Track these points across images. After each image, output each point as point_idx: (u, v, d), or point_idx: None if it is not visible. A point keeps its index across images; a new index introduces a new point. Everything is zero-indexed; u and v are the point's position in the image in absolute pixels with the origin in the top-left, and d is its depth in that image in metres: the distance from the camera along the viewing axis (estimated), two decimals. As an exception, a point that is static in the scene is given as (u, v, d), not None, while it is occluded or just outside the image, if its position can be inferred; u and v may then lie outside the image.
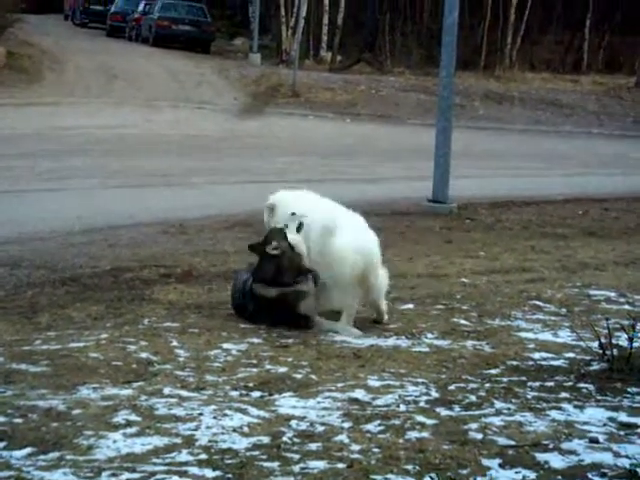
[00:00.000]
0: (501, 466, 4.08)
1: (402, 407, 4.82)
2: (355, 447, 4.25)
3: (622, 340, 5.83)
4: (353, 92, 31.43)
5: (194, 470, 3.97)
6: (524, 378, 5.36)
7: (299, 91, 30.52)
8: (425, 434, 4.43)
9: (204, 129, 23.21)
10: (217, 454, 4.15)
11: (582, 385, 5.25)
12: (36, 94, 27.21)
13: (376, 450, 4.21)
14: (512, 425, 4.57)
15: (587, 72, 39.93)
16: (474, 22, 40.25)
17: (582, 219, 12.87)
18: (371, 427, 4.51)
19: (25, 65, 30.69)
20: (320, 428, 4.49)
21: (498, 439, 4.38)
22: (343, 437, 4.37)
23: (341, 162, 18.62)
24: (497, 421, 4.62)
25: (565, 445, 4.32)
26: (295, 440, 4.33)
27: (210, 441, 4.29)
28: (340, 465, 4.05)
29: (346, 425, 4.54)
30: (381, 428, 4.50)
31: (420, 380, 5.28)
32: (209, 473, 3.95)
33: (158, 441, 4.28)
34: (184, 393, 4.97)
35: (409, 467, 4.03)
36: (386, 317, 6.73)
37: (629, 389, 5.19)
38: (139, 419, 4.55)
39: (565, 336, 6.39)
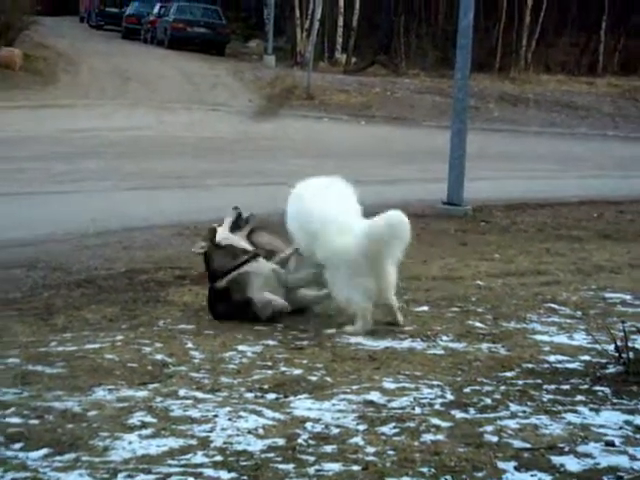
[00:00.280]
0: (516, 469, 4.07)
1: (417, 409, 4.81)
2: (370, 449, 4.24)
3: (638, 343, 5.81)
4: (368, 94, 31.43)
5: (209, 472, 3.97)
6: (539, 381, 5.35)
7: (314, 93, 30.54)
8: (440, 437, 4.42)
9: (218, 131, 23.24)
10: (232, 456, 4.15)
11: (598, 388, 5.23)
12: (51, 96, 27.30)
13: (391, 452, 4.21)
14: (528, 428, 4.55)
15: (602, 74, 39.80)
16: (489, 24, 40.17)
17: (597, 221, 12.84)
18: (386, 429, 4.50)
19: (40, 67, 30.81)
20: (335, 430, 4.48)
21: (513, 442, 4.36)
22: (358, 439, 4.36)
23: (356, 164, 18.58)
24: (512, 424, 4.61)
25: (581, 448, 4.31)
26: (310, 442, 4.33)
27: (225, 443, 4.29)
28: (355, 467, 4.04)
29: (361, 427, 4.53)
30: (396, 430, 4.49)
31: (435, 382, 5.27)
32: (224, 475, 3.95)
33: (173, 443, 4.29)
34: (199, 395, 4.98)
35: (424, 470, 4.03)
36: (401, 318, 6.71)
37: (645, 392, 5.17)
38: (154, 420, 4.56)
39: (581, 339, 6.36)
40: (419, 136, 25.66)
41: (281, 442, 4.31)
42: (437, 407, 4.86)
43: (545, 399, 5.02)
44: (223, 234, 6.68)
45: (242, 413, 4.67)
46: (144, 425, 4.49)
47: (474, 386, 5.22)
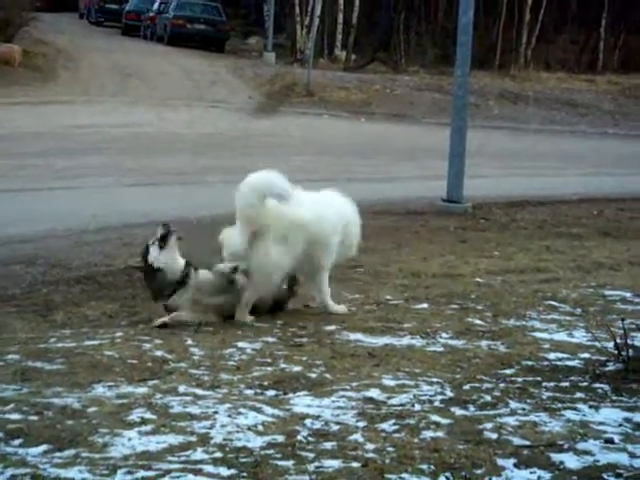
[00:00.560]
0: (516, 466, 4.07)
1: (417, 406, 4.81)
2: (370, 446, 4.24)
3: (638, 341, 5.82)
4: (368, 91, 31.41)
5: (209, 468, 3.97)
6: (539, 378, 5.35)
7: (313, 90, 30.52)
8: (440, 434, 4.42)
9: (218, 128, 23.23)
10: (232, 452, 4.15)
11: (597, 385, 5.24)
12: (51, 92, 27.28)
13: (391, 449, 4.21)
14: (527, 425, 4.56)
15: (602, 72, 39.81)
16: (489, 21, 40.19)
17: (597, 219, 12.84)
18: (386, 426, 4.51)
19: (40, 63, 30.78)
20: (335, 427, 4.48)
21: (513, 439, 4.37)
22: (358, 436, 4.37)
23: (355, 161, 18.61)
24: (512, 421, 4.61)
25: (580, 445, 4.31)
26: (310, 439, 4.33)
27: (225, 439, 4.30)
28: (355, 464, 4.05)
29: (361, 424, 4.54)
30: (396, 427, 4.49)
31: (435, 380, 5.27)
32: (224, 471, 3.95)
33: (173, 439, 4.29)
34: (199, 391, 4.98)
35: (424, 466, 4.03)
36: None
37: (645, 390, 5.18)
38: (154, 417, 4.56)
39: (580, 336, 6.36)
40: (419, 133, 25.65)
41: (281, 439, 4.32)
42: (437, 404, 4.86)
43: (544, 396, 5.03)
44: (154, 254, 6.65)
45: (242, 410, 4.67)
46: (144, 421, 4.49)
47: (474, 383, 5.22)
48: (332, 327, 6.46)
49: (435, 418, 4.62)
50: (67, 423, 4.45)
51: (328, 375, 5.33)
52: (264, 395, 4.97)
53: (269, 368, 5.45)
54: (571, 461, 4.14)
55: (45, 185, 13.52)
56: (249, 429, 4.43)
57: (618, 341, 5.62)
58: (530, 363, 5.66)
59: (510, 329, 6.52)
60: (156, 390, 4.97)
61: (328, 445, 4.26)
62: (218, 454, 4.13)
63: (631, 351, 5.53)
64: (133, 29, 45.03)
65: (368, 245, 10.03)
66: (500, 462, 4.09)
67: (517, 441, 4.34)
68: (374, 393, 5.00)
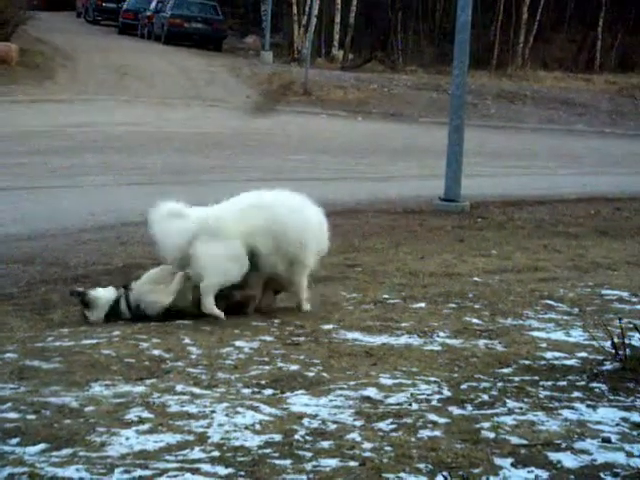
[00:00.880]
0: (513, 465, 4.08)
1: (414, 405, 4.81)
2: (367, 445, 4.25)
3: (635, 340, 5.82)
4: (365, 90, 31.42)
5: (206, 467, 3.97)
6: (536, 377, 5.35)
7: (311, 89, 30.54)
8: (437, 433, 4.42)
9: (216, 127, 23.22)
10: (229, 451, 4.15)
11: (595, 385, 5.24)
12: (48, 91, 27.28)
13: (388, 448, 4.21)
14: (524, 424, 4.56)
15: (600, 71, 39.87)
16: (486, 20, 40.20)
17: (594, 218, 12.84)
18: (383, 425, 4.51)
19: (37, 62, 30.77)
20: (332, 426, 4.49)
21: (510, 438, 4.37)
22: (355, 435, 4.37)
23: (353, 160, 18.61)
24: (509, 420, 4.61)
25: (578, 445, 4.32)
26: (307, 438, 4.33)
27: (222, 438, 4.30)
28: (352, 463, 4.05)
29: (358, 423, 4.54)
30: (393, 426, 4.49)
31: (432, 379, 5.27)
32: (221, 470, 3.95)
33: (170, 438, 4.29)
34: (196, 390, 4.98)
35: (421, 466, 4.03)
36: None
37: (642, 389, 5.18)
38: (151, 416, 4.56)
39: (577, 335, 6.37)
40: (416, 132, 25.66)
41: (278, 438, 4.32)
42: (434, 403, 4.86)
43: (542, 395, 5.03)
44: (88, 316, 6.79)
45: (239, 409, 4.67)
46: (141, 421, 4.50)
47: (471, 382, 5.22)
48: (329, 326, 6.46)
49: (432, 417, 4.62)
50: (65, 422, 4.45)
51: (325, 374, 5.33)
52: (261, 394, 4.97)
53: (266, 367, 5.45)
54: (568, 460, 4.14)
55: (42, 184, 13.51)
56: (246, 428, 4.43)
57: (615, 340, 5.62)
58: (527, 362, 5.66)
59: (507, 328, 6.52)
60: (153, 389, 4.97)
61: (325, 444, 4.26)
62: (215, 453, 4.13)
63: (628, 350, 5.53)
64: (130, 28, 45.00)
65: (366, 244, 10.07)
66: (498, 461, 4.10)
67: (515, 440, 4.35)
68: (371, 392, 5.00)
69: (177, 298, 6.70)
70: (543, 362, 5.69)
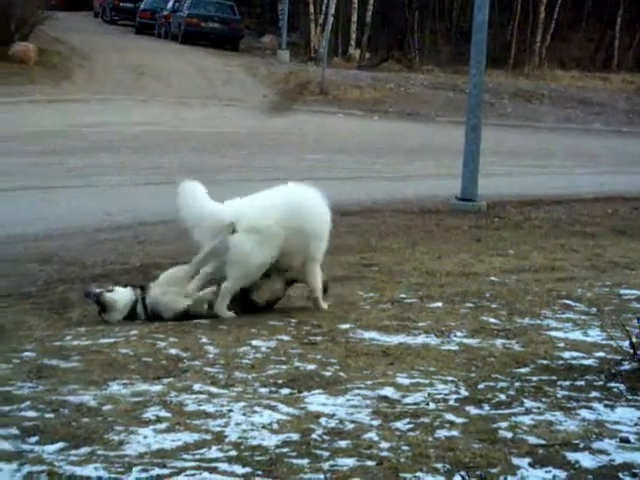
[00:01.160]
0: (531, 465, 4.06)
1: (431, 405, 4.81)
2: (384, 445, 4.24)
3: (653, 340, 5.80)
4: (382, 90, 31.40)
5: (224, 466, 3.98)
6: (554, 377, 5.34)
7: (327, 89, 30.53)
8: (455, 432, 4.42)
9: (233, 126, 23.25)
10: (247, 451, 4.16)
11: (613, 384, 5.22)
12: (65, 91, 27.36)
13: (405, 448, 4.21)
14: (542, 424, 4.55)
15: (617, 70, 39.71)
16: (504, 20, 40.10)
17: (612, 218, 12.79)
18: (400, 425, 4.51)
19: (55, 62, 30.87)
20: (349, 425, 4.48)
21: (528, 438, 4.36)
22: (372, 435, 4.37)
23: (369, 160, 18.61)
24: (527, 420, 4.60)
25: (596, 445, 4.30)
26: (324, 437, 4.33)
27: (240, 438, 4.30)
28: (370, 463, 4.05)
29: (375, 423, 4.54)
30: (410, 426, 4.49)
31: (449, 378, 5.27)
32: (239, 469, 3.96)
33: (188, 437, 4.30)
34: (214, 389, 4.99)
35: (439, 465, 4.03)
36: None
37: (660, 389, 5.16)
38: (169, 415, 4.57)
39: (595, 335, 6.35)
40: (433, 132, 25.63)
41: (295, 437, 4.32)
42: (451, 403, 4.85)
43: (560, 395, 5.02)
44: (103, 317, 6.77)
45: (256, 408, 4.68)
46: (159, 419, 4.51)
47: (488, 382, 5.21)
48: (346, 325, 6.46)
49: (450, 417, 4.62)
50: (83, 421, 4.46)
51: (342, 373, 5.33)
52: (279, 393, 4.98)
53: (284, 366, 5.45)
54: (587, 460, 4.13)
55: (59, 183, 13.55)
56: (264, 427, 4.43)
57: (633, 340, 5.60)
58: (545, 362, 5.65)
59: (525, 328, 6.51)
60: (171, 388, 4.98)
61: (343, 443, 4.26)
62: (233, 452, 4.14)
63: (646, 350, 5.51)
64: (147, 28, 45.06)
65: (382, 244, 10.07)
66: (515, 461, 4.09)
67: (532, 440, 4.34)
68: (389, 392, 5.00)
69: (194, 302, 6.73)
70: (561, 362, 5.67)
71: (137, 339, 5.96)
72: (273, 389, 5.04)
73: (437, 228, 11.37)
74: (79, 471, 3.90)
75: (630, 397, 5.02)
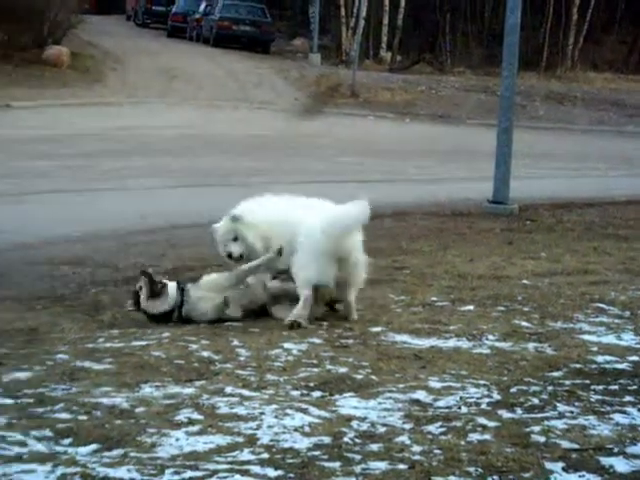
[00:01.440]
0: (564, 470, 4.04)
1: (463, 409, 4.79)
2: (416, 448, 4.23)
3: (688, 344, 5.76)
4: (413, 92, 31.36)
5: (256, 469, 3.98)
6: (587, 381, 5.30)
7: (358, 91, 30.53)
8: (487, 436, 4.40)
9: (264, 129, 23.30)
10: (279, 453, 4.16)
11: (646, 389, 5.19)
12: (98, 94, 27.55)
13: (437, 452, 4.20)
14: (575, 428, 4.52)
15: (651, 72, 39.39)
16: (536, 22, 39.92)
17: (645, 221, 12.69)
18: (432, 428, 4.49)
19: (88, 65, 31.09)
20: (381, 429, 4.48)
21: (561, 442, 4.33)
22: (404, 438, 4.36)
23: (400, 162, 18.59)
24: (560, 424, 4.57)
25: (630, 449, 4.27)
26: (356, 440, 4.33)
27: (272, 440, 4.31)
28: (401, 466, 4.04)
29: (407, 426, 4.53)
30: (442, 430, 4.48)
31: (481, 382, 5.25)
32: (271, 472, 3.96)
33: (220, 440, 4.30)
34: (245, 392, 4.99)
35: (471, 469, 4.01)
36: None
37: (695, 393, 5.11)
38: (201, 418, 4.58)
39: (629, 339, 6.30)
40: (464, 134, 25.57)
41: (327, 440, 4.32)
42: (483, 407, 4.84)
43: (593, 399, 4.99)
44: (144, 303, 6.70)
45: (288, 411, 4.68)
46: (191, 422, 4.52)
47: (521, 386, 5.19)
48: (378, 329, 6.45)
49: (482, 421, 4.60)
50: (115, 423, 4.48)
51: (374, 377, 5.32)
52: (310, 396, 4.98)
53: (315, 369, 5.45)
54: (620, 465, 4.10)
55: (92, 186, 13.65)
56: (296, 430, 4.43)
57: (668, 344, 5.56)
58: (578, 366, 5.62)
59: (557, 331, 6.47)
60: (203, 391, 4.99)
61: (374, 447, 4.25)
62: (265, 455, 4.14)
63: (681, 354, 5.47)
64: (179, 31, 45.28)
65: (414, 247, 10.05)
66: (548, 466, 4.07)
67: (565, 444, 4.31)
68: (420, 395, 4.99)
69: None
70: (594, 366, 5.64)
71: (169, 342, 5.98)
72: (305, 392, 5.04)
73: (469, 231, 11.34)
74: (112, 473, 3.92)
75: (664, 402, 4.98)
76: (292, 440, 4.31)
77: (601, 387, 5.20)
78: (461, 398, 4.95)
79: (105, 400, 4.79)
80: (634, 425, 4.59)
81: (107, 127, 21.27)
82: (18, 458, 4.07)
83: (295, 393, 5.02)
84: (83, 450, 4.16)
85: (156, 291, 6.67)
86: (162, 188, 13.89)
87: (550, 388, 5.16)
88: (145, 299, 6.67)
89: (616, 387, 5.21)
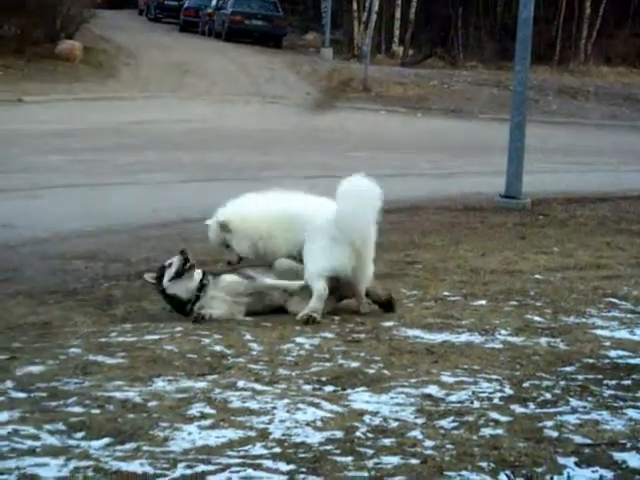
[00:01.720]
0: (577, 465, 4.03)
1: (476, 404, 4.79)
2: (429, 443, 4.23)
3: (701, 339, 5.74)
4: (425, 87, 31.31)
5: (268, 463, 3.99)
6: (600, 376, 5.30)
7: (370, 86, 30.49)
8: (499, 431, 4.40)
9: (276, 123, 23.30)
10: (291, 448, 4.16)
11: (660, 384, 5.17)
12: (111, 88, 27.57)
13: (450, 446, 4.20)
14: (588, 423, 4.51)
15: (664, 66, 39.23)
16: (549, 16, 39.77)
17: (658, 215, 12.65)
18: (445, 423, 4.49)
19: (100, 60, 31.11)
20: (393, 423, 4.48)
21: (574, 437, 4.33)
22: (417, 433, 4.36)
23: (412, 157, 18.56)
24: (573, 419, 4.57)
25: (643, 445, 4.26)
26: (368, 435, 4.33)
27: (284, 435, 4.31)
28: (414, 461, 4.04)
29: (419, 421, 4.53)
30: (455, 424, 4.47)
31: (494, 377, 5.24)
32: (283, 466, 3.96)
33: (232, 434, 4.31)
34: (258, 386, 5.00)
35: (483, 464, 4.01)
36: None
37: None
38: (214, 412, 4.59)
39: (642, 334, 6.29)
40: (476, 129, 25.51)
41: (339, 435, 4.32)
42: (496, 401, 4.83)
43: (606, 394, 4.98)
44: (167, 281, 6.66)
45: (300, 405, 4.68)
46: (203, 416, 4.53)
47: (533, 380, 5.18)
48: (390, 323, 6.44)
49: (494, 415, 4.60)
50: (128, 417, 4.50)
51: (386, 371, 5.32)
52: (322, 391, 4.98)
53: (327, 364, 5.45)
54: (634, 460, 4.09)
55: (104, 180, 13.66)
56: (308, 424, 4.44)
57: (681, 339, 5.55)
58: (591, 361, 5.61)
59: (570, 326, 6.46)
60: (215, 385, 5.00)
61: (387, 441, 4.25)
62: (277, 449, 4.14)
63: (694, 349, 5.45)
64: (191, 25, 45.25)
65: (426, 241, 10.04)
66: (561, 460, 4.06)
67: (578, 439, 4.31)
68: (433, 390, 4.99)
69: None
70: (607, 361, 5.63)
71: (182, 336, 5.99)
72: (317, 386, 5.05)
73: (481, 225, 11.32)
74: (124, 467, 3.93)
75: (677, 397, 4.96)
76: (304, 434, 4.32)
77: (614, 382, 5.19)
78: (473, 393, 4.95)
79: (118, 394, 4.81)
80: (647, 420, 4.58)
81: (120, 122, 21.28)
82: (31, 452, 4.09)
83: (307, 387, 5.02)
84: (96, 444, 4.17)
85: (183, 271, 6.62)
86: (174, 182, 13.90)
87: (563, 383, 5.15)
88: (169, 277, 6.63)
89: (629, 382, 5.20)
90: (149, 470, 3.91)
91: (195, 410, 4.60)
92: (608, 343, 6.02)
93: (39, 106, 23.55)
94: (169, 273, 6.64)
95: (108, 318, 6.78)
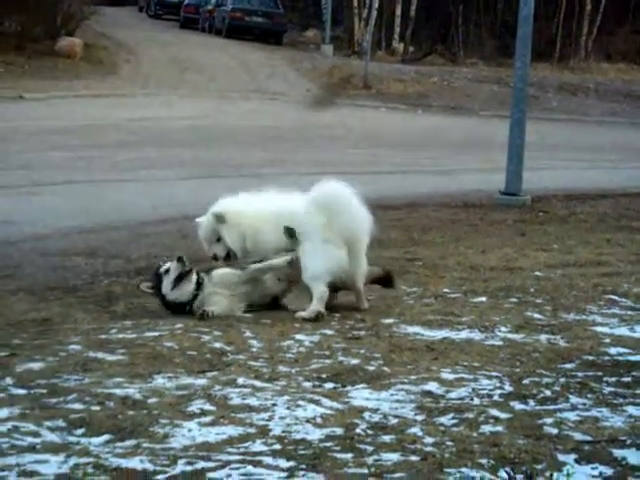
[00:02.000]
0: (577, 461, 4.04)
1: (476, 400, 4.79)
2: (429, 440, 4.24)
3: (701, 336, 5.74)
4: (425, 83, 31.30)
5: (268, 460, 3.99)
6: (600, 373, 5.30)
7: (371, 82, 30.47)
8: (499, 428, 4.40)
9: (276, 120, 23.28)
10: (291, 444, 4.17)
11: (660, 381, 5.17)
12: (111, 85, 27.56)
13: (450, 443, 4.20)
14: (588, 420, 4.52)
15: (664, 63, 39.21)
16: (549, 12, 39.75)
17: (659, 212, 12.64)
18: (445, 420, 4.50)
19: (101, 57, 31.12)
20: (393, 420, 4.48)
21: (574, 434, 4.33)
22: (417, 430, 4.36)
23: (413, 154, 18.56)
24: (573, 416, 4.57)
25: (643, 441, 4.27)
26: (368, 432, 4.33)
27: (284, 431, 4.32)
28: (414, 458, 4.04)
29: (419, 418, 4.53)
30: (455, 421, 4.48)
31: (494, 374, 5.24)
32: (283, 463, 3.97)
33: (232, 431, 4.32)
34: (258, 383, 5.00)
35: (483, 461, 4.01)
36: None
37: None
38: (213, 408, 4.59)
39: (642, 331, 6.29)
40: (476, 126, 25.50)
41: (339, 431, 4.33)
42: (496, 398, 4.84)
43: (606, 391, 4.98)
44: (166, 289, 6.64)
45: (300, 402, 4.68)
46: (203, 413, 4.53)
47: (533, 377, 5.19)
48: (390, 320, 6.45)
49: (494, 412, 4.60)
50: (128, 413, 4.50)
51: (386, 368, 5.33)
52: (322, 388, 4.98)
53: (327, 361, 5.45)
54: (633, 457, 4.09)
55: (104, 177, 13.66)
56: (308, 421, 4.44)
57: (681, 336, 5.55)
58: (591, 358, 5.61)
59: (570, 323, 6.46)
60: (215, 382, 5.00)
61: (387, 438, 4.26)
62: (277, 446, 4.15)
63: (694, 346, 5.45)
64: (191, 22, 45.26)
65: (426, 238, 10.04)
66: (561, 457, 4.07)
67: (578, 436, 4.31)
68: (433, 387, 4.99)
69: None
70: (607, 358, 5.63)
71: (182, 333, 5.99)
72: (317, 383, 5.05)
73: (481, 222, 11.32)
74: (124, 463, 3.94)
75: (677, 394, 4.96)
76: (304, 431, 4.32)
77: (614, 379, 5.19)
78: (473, 390, 4.96)
79: (118, 391, 4.81)
80: (647, 417, 4.59)
81: (120, 118, 21.27)
82: (31, 448, 4.09)
83: (307, 384, 5.02)
84: (96, 440, 4.18)
85: (182, 276, 6.62)
86: (174, 179, 13.89)
87: (562, 380, 5.15)
88: (169, 284, 6.63)
89: (629, 379, 5.20)
90: (149, 467, 3.91)
91: (195, 407, 4.60)
92: (608, 340, 6.02)
93: (39, 103, 23.53)
94: (168, 280, 6.63)
95: (108, 315, 6.78)
